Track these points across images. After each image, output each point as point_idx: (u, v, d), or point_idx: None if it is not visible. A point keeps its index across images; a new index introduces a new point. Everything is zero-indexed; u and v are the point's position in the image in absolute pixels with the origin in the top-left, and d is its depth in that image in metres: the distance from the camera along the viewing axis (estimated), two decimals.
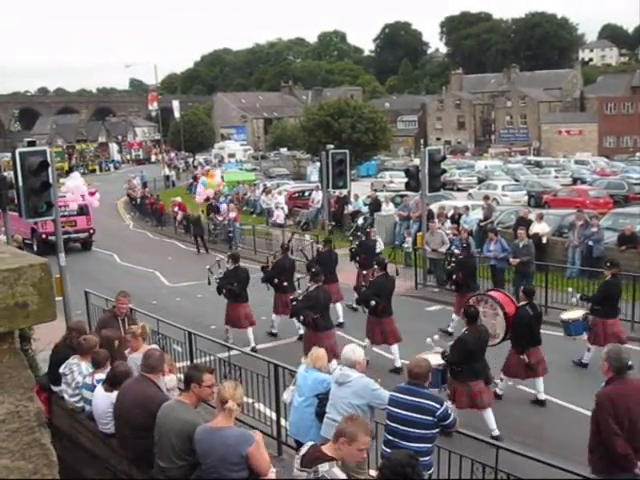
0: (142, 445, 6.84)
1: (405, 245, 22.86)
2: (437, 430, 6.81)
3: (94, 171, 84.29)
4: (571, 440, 9.02)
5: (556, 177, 47.88)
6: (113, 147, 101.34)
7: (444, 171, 22.71)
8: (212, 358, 10.35)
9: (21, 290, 2.75)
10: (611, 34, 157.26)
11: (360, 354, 7.53)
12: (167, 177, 58.95)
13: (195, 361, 10.51)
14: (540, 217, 21.20)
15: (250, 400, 9.69)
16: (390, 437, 6.84)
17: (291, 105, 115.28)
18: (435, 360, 9.28)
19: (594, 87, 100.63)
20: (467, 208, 24.64)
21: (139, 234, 34.83)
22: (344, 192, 28.26)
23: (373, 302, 12.75)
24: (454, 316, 15.00)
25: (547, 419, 10.73)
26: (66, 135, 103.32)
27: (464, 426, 7.30)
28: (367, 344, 12.83)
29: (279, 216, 31.92)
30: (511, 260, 17.14)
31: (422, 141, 24.55)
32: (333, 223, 25.28)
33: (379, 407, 7.18)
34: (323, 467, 4.94)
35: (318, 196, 30.10)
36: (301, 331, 14.01)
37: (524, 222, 20.37)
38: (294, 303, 12.60)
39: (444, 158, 21.03)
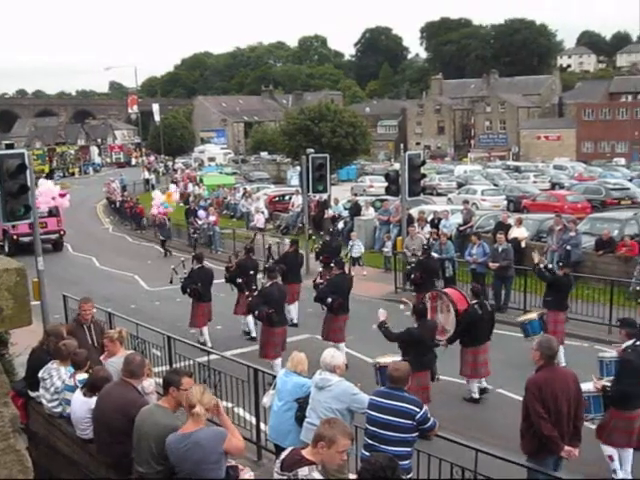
0: (121, 450, 6.79)
1: (385, 249, 22.93)
2: (417, 434, 6.82)
3: (73, 174, 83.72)
4: None
5: (535, 182, 48.23)
6: (94, 150, 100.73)
7: (424, 176, 22.82)
8: (191, 362, 10.31)
9: None
10: (589, 41, 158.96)
11: (340, 358, 7.53)
12: (147, 180, 58.66)
13: (174, 365, 10.47)
14: (519, 222, 21.32)
15: (230, 404, 9.66)
16: (370, 441, 6.85)
17: (271, 109, 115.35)
18: (388, 360, 9.85)
19: (572, 93, 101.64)
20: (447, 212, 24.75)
21: (118, 238, 34.62)
22: (324, 196, 28.28)
23: (329, 299, 13.24)
24: None
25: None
26: (45, 138, 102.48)
27: (443, 430, 7.32)
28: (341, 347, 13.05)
29: (259, 220, 31.85)
30: (490, 264, 17.24)
31: (402, 146, 24.57)
32: (316, 235, 25.17)
33: (359, 411, 7.18)
34: (303, 471, 4.92)
35: (298, 200, 30.09)
36: (250, 329, 15.31)
37: (503, 227, 20.50)
38: (249, 299, 13.30)
39: (424, 163, 21.11)
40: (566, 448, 7.12)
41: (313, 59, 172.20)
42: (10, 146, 16.35)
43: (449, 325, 11.81)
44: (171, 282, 16.07)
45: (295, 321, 16.34)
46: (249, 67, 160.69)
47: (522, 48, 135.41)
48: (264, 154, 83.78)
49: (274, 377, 8.31)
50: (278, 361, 12.25)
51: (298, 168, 30.57)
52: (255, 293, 13.44)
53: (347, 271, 14.48)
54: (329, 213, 30.15)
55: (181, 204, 37.47)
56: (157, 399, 7.20)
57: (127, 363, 7.18)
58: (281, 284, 13.25)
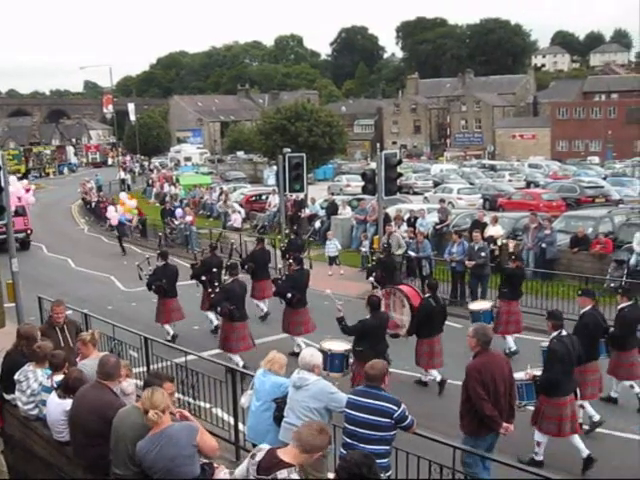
0: (97, 452, 6.76)
1: (362, 248, 22.97)
2: (395, 432, 6.84)
3: (48, 174, 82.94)
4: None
5: (510, 181, 48.53)
6: (70, 150, 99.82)
7: (400, 175, 22.83)
8: (169, 363, 10.25)
9: None
10: (563, 41, 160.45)
11: (318, 358, 7.54)
12: (123, 181, 58.26)
13: (152, 367, 10.40)
14: (495, 220, 21.46)
15: (208, 405, 9.63)
16: (348, 440, 6.85)
17: (248, 108, 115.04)
18: (339, 346, 10.50)
19: (547, 92, 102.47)
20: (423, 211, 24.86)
21: (94, 238, 34.33)
22: (301, 196, 28.27)
23: (289, 294, 13.76)
24: None
25: None
26: (19, 138, 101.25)
27: (420, 427, 7.34)
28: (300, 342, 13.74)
29: (236, 220, 31.81)
30: (467, 262, 17.34)
31: (378, 145, 24.59)
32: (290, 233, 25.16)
33: (337, 410, 7.18)
34: (282, 474, 4.90)
35: (275, 200, 30.06)
36: (215, 323, 15.71)
37: (479, 225, 20.63)
38: (212, 295, 13.87)
39: (400, 162, 21.14)
40: (504, 425, 7.77)
41: (289, 58, 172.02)
42: None
43: (404, 319, 12.51)
44: (140, 279, 16.34)
45: (264, 313, 17.06)
46: (225, 66, 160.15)
47: (497, 48, 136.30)
48: (240, 154, 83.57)
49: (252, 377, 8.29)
50: (237, 357, 12.81)
51: (275, 167, 30.57)
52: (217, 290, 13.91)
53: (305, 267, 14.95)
54: (306, 212, 30.16)
55: (157, 204, 37.24)
56: (136, 400, 7.16)
57: (102, 365, 7.14)
58: (242, 280, 13.68)
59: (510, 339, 13.96)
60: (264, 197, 36.16)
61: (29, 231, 29.71)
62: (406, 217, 24.08)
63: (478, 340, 7.95)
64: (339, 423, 7.19)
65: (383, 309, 12.03)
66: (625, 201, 34.97)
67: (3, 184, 12.37)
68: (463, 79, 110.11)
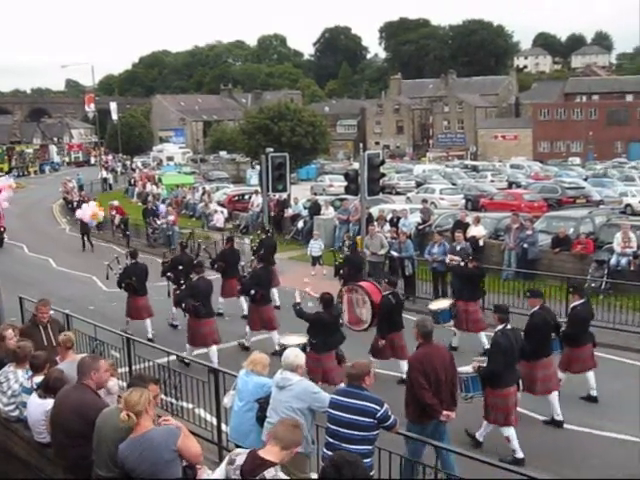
0: (78, 453, 6.71)
1: (345, 248, 22.95)
2: (377, 432, 6.86)
3: (29, 174, 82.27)
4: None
5: (492, 181, 48.77)
6: (52, 149, 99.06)
7: (383, 175, 22.92)
8: (151, 364, 10.21)
9: None
10: (544, 42, 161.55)
11: (302, 358, 7.54)
12: (104, 180, 57.95)
13: (134, 367, 10.35)
14: (477, 220, 21.57)
15: (190, 405, 9.60)
16: (331, 440, 6.86)
17: (230, 108, 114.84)
18: (297, 340, 10.98)
19: (529, 93, 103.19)
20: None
21: (75, 238, 34.00)
22: (284, 196, 28.25)
23: (253, 291, 14.16)
24: None
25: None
26: None
27: (403, 425, 7.37)
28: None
29: (219, 220, 31.73)
30: (449, 256, 17.34)
31: (361, 145, 24.63)
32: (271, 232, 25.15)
33: (320, 410, 7.18)
34: (269, 473, 4.89)
35: (258, 199, 30.00)
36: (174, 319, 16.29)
37: (461, 225, 20.71)
38: (177, 292, 14.45)
39: (383, 162, 21.19)
40: (444, 413, 8.07)
41: (272, 58, 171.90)
42: None
43: (366, 315, 12.80)
44: (107, 278, 16.86)
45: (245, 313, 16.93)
46: (208, 66, 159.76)
47: (480, 49, 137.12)
48: (223, 153, 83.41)
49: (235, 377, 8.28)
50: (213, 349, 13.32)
51: (257, 167, 30.53)
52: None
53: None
54: (289, 212, 30.14)
55: (139, 204, 37.05)
56: (118, 402, 7.12)
57: (80, 366, 7.11)
58: (207, 278, 14.09)
59: (483, 336, 13.96)
60: (247, 197, 36.04)
61: (2, 228, 29.71)
62: (389, 217, 24.11)
63: (418, 331, 8.38)
64: (322, 423, 7.19)
65: (346, 305, 12.99)
66: (606, 202, 35.31)
67: None
68: (446, 80, 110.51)
